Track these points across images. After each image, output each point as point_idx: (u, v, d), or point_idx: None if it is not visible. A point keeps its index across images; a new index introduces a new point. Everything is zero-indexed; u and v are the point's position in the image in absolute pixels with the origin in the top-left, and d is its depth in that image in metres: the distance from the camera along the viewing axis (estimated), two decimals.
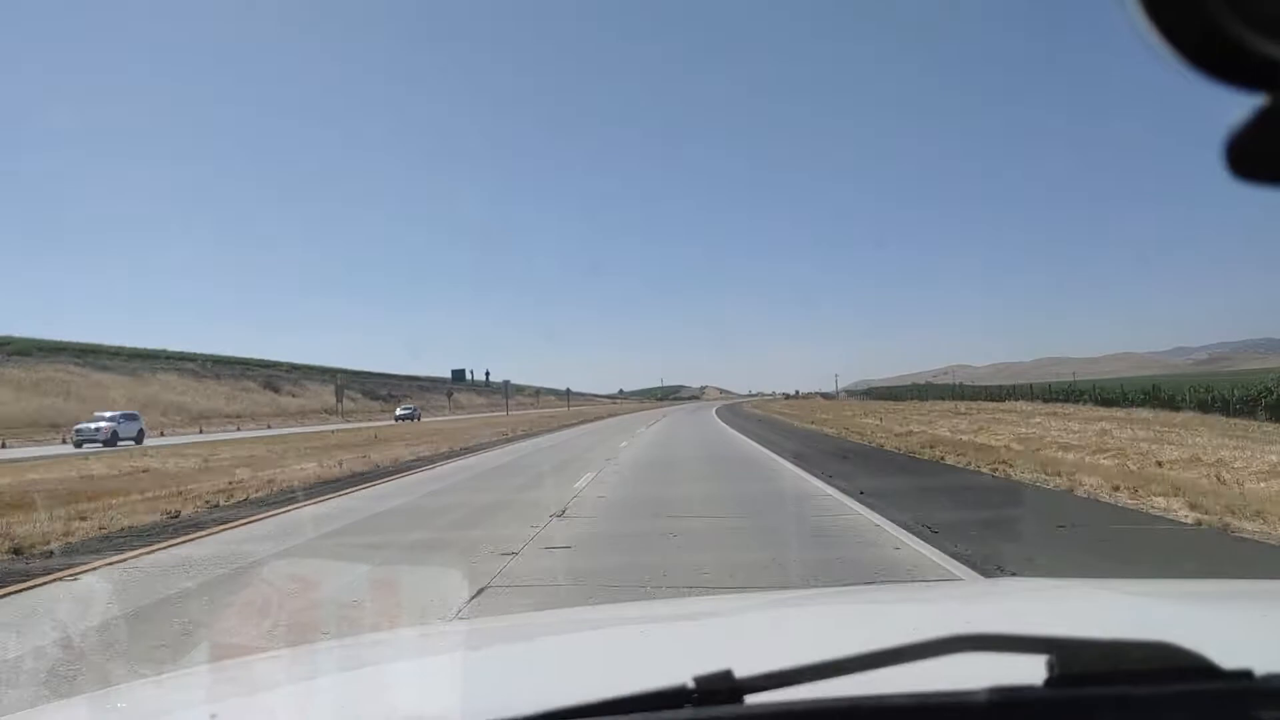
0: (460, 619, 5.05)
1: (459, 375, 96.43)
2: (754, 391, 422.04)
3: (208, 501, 11.64)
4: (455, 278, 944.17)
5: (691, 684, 0.90)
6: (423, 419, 68.36)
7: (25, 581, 6.51)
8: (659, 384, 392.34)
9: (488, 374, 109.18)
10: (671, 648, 1.55)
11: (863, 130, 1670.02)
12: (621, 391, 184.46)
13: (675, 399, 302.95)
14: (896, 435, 22.54)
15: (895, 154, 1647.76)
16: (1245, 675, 0.90)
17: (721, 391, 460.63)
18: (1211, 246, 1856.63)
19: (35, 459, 24.54)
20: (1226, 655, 0.92)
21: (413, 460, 19.60)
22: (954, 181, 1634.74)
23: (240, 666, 1.75)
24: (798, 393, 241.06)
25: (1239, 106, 0.54)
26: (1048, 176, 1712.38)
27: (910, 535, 7.62)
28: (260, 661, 1.80)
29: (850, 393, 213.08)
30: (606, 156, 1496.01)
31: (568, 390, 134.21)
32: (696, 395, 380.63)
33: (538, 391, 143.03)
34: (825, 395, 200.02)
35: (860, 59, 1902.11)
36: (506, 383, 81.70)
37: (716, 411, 65.99)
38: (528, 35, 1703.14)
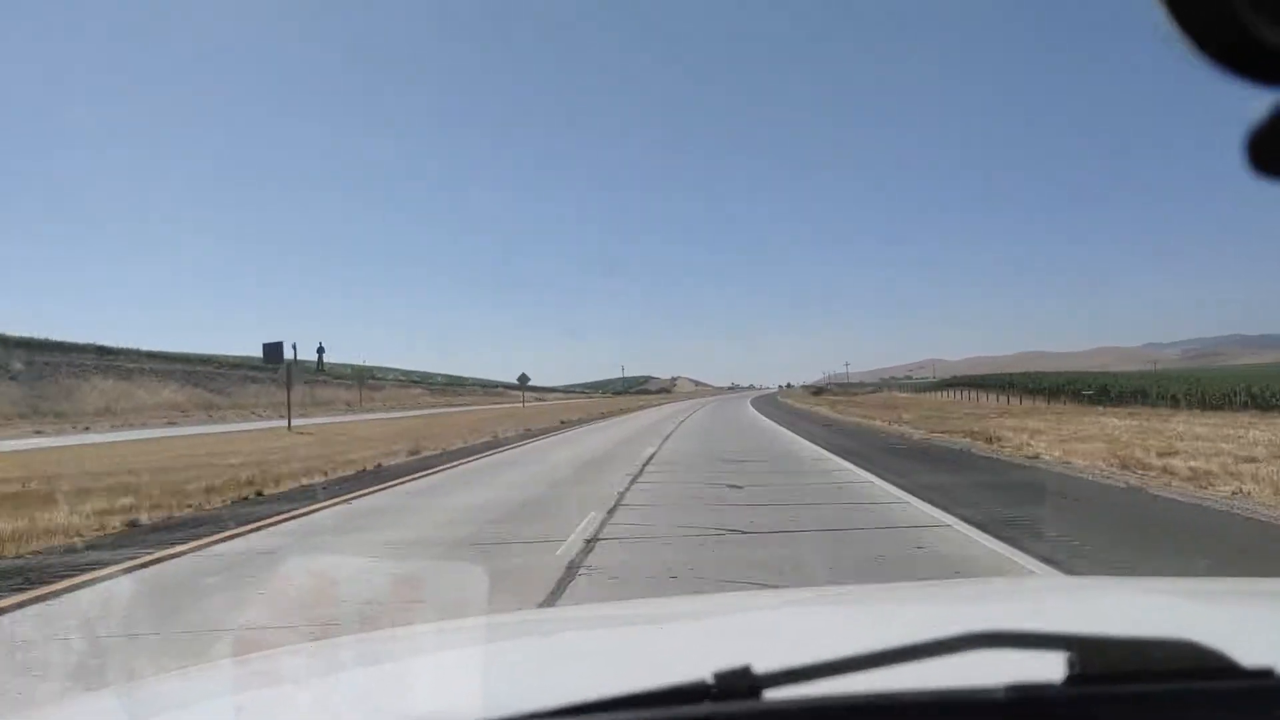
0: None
1: (274, 352, 43.94)
2: (733, 384, 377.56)
3: None
4: (360, 247, 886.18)
5: (711, 679, 0.89)
6: None
7: None
8: (619, 374, 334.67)
9: (320, 352, 75.12)
10: (690, 643, 1.56)
11: (835, 123, 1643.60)
12: (524, 378, 76.62)
13: (641, 392, 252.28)
14: None
15: (867, 148, 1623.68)
16: (1267, 674, 0.89)
17: (696, 384, 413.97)
18: (1181, 243, 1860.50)
19: None
20: (1247, 653, 0.91)
21: None
22: (926, 176, 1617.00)
23: (263, 660, 1.80)
24: (789, 384, 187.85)
25: (1259, 103, 0.52)
26: (1018, 171, 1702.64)
27: None
28: (283, 656, 1.87)
29: (846, 388, 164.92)
30: (559, 130, 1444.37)
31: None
32: (666, 389, 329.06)
33: (389, 378, 62.19)
34: (897, 386, 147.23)
35: (829, 56, 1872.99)
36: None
37: (796, 429, 27.62)
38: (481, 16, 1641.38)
